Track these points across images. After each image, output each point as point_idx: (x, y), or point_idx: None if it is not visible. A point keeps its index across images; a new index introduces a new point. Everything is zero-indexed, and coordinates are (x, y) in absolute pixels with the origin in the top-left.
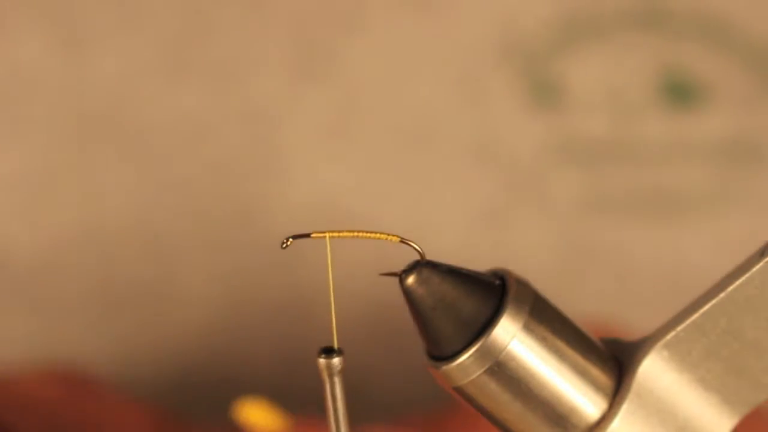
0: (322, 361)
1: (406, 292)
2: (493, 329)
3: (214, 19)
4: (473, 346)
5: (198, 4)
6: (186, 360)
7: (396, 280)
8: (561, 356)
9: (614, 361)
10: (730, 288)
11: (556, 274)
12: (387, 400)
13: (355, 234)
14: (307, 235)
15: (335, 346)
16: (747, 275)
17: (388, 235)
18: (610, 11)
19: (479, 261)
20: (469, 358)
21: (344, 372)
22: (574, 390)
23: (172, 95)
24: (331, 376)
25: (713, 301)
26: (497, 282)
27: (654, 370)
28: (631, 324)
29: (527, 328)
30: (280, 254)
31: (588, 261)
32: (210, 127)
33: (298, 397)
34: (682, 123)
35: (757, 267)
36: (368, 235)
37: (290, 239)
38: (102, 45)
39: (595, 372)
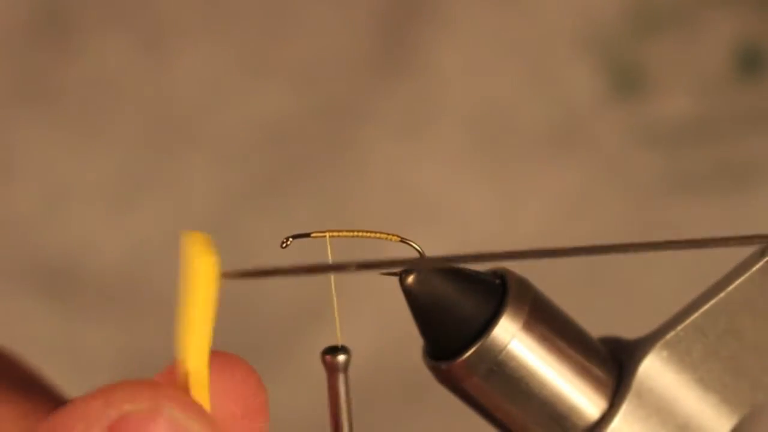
0: (328, 358)
1: (406, 292)
2: (492, 329)
3: (295, 18)
4: (473, 346)
5: (279, 4)
6: (274, 363)
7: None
8: (561, 356)
9: (614, 360)
10: (730, 288)
11: (640, 257)
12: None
13: (355, 233)
14: (307, 235)
15: (339, 343)
16: (747, 275)
17: (389, 234)
18: None
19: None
20: (469, 357)
21: (348, 370)
22: (574, 390)
23: (254, 96)
24: (335, 373)
25: (713, 301)
26: (497, 281)
27: (654, 370)
28: None
29: (527, 327)
30: (362, 252)
31: None
32: (292, 126)
33: (383, 394)
34: (765, 98)
35: (757, 267)
36: (368, 234)
37: (290, 239)
38: (184, 48)
39: (595, 371)
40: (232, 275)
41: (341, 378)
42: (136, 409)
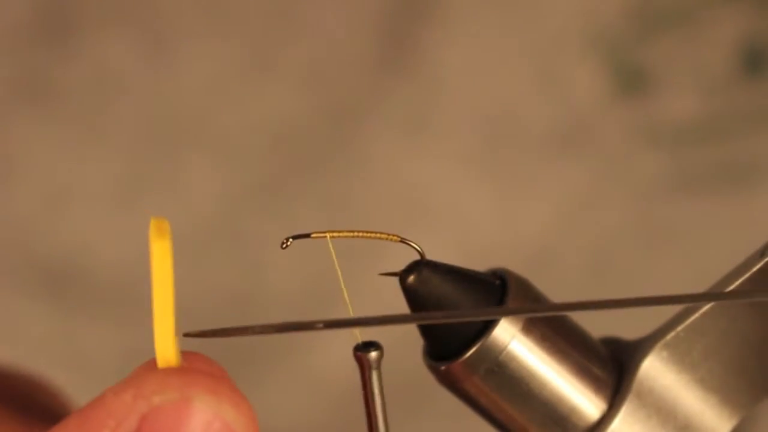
0: (359, 354)
1: (407, 292)
2: (492, 329)
3: (299, 18)
4: (473, 346)
5: (281, 4)
6: (274, 364)
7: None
8: (561, 356)
9: (614, 361)
10: (730, 288)
11: (644, 257)
12: None
13: (355, 234)
14: (308, 235)
15: (359, 340)
16: (747, 275)
17: (389, 234)
18: None
19: (567, 248)
20: (469, 358)
21: (381, 366)
22: (574, 390)
23: (257, 96)
24: (368, 369)
25: (713, 302)
26: (497, 282)
27: (654, 371)
28: None
29: (527, 328)
30: (368, 253)
31: (676, 243)
32: (295, 126)
33: (390, 391)
34: None
35: (757, 267)
36: (368, 234)
37: (290, 239)
38: (187, 48)
39: (595, 372)
40: (194, 335)
41: (374, 375)
42: (166, 400)
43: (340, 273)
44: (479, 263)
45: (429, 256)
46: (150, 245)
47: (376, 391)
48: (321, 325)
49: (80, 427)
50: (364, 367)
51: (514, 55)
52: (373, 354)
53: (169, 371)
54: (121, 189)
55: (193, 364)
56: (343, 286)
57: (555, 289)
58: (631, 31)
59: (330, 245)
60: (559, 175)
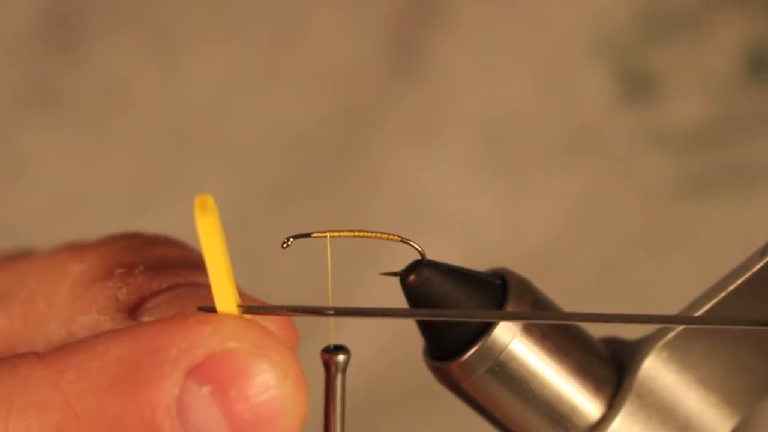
0: (326, 356)
1: (407, 292)
2: (493, 329)
3: (307, 24)
4: (474, 346)
5: (290, 11)
6: None
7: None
8: (561, 356)
9: (615, 361)
10: (730, 288)
11: (649, 260)
12: None
13: (356, 234)
14: (308, 235)
15: (331, 344)
16: (747, 275)
17: (389, 234)
18: None
19: (573, 252)
20: (469, 357)
21: (347, 370)
22: (575, 390)
23: (265, 102)
24: (334, 371)
25: (713, 301)
26: (498, 282)
27: (654, 371)
28: None
29: (528, 328)
30: (377, 260)
31: (681, 247)
32: (304, 132)
33: (393, 399)
34: None
35: (757, 267)
36: (369, 234)
37: (291, 239)
38: (196, 54)
39: (596, 372)
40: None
41: (339, 378)
42: (239, 349)
43: (329, 275)
44: (486, 267)
45: (435, 260)
46: (196, 222)
47: (339, 394)
48: (332, 312)
49: (156, 335)
50: (330, 370)
51: (522, 61)
52: (341, 357)
53: (253, 324)
54: (129, 195)
55: (281, 328)
56: (329, 288)
57: (561, 292)
58: (637, 37)
59: (328, 245)
60: (565, 180)
